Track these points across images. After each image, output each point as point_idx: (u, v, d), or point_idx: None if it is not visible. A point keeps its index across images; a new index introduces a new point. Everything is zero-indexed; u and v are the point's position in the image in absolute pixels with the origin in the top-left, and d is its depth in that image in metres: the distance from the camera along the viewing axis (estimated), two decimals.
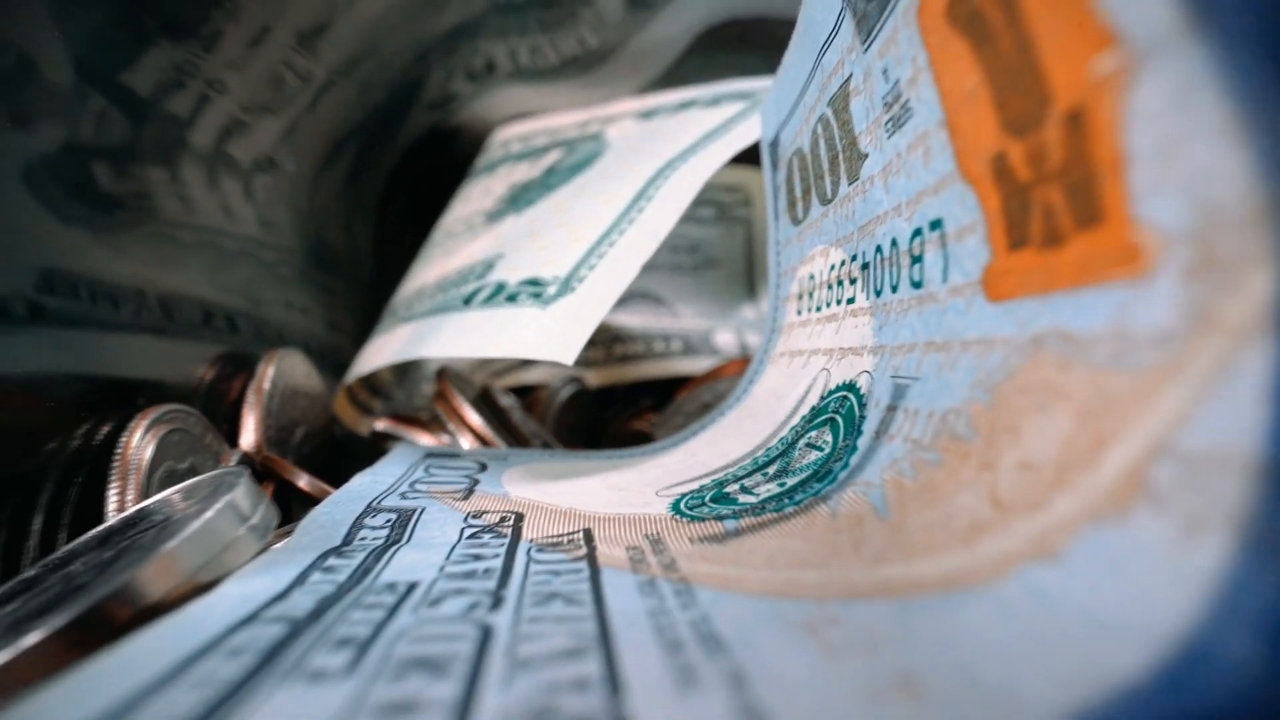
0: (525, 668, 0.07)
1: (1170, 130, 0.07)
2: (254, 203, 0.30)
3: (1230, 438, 0.06)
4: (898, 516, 0.10)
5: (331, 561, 0.11)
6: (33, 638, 0.10)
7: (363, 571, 0.11)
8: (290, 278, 0.32)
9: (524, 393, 0.31)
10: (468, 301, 0.22)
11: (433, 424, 0.24)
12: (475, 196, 0.31)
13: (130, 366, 0.22)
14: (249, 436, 0.21)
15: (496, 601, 0.09)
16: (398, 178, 0.37)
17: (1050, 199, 0.08)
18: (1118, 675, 0.06)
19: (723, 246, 0.37)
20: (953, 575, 0.08)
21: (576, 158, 0.27)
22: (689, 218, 0.36)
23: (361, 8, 0.31)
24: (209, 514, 0.11)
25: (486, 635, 0.08)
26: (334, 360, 0.31)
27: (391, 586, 0.10)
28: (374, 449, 0.27)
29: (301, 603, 0.09)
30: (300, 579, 0.10)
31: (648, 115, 0.28)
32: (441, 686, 0.07)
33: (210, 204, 0.28)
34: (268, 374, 0.22)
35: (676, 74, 0.33)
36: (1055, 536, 0.08)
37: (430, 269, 0.27)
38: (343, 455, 0.28)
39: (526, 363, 0.31)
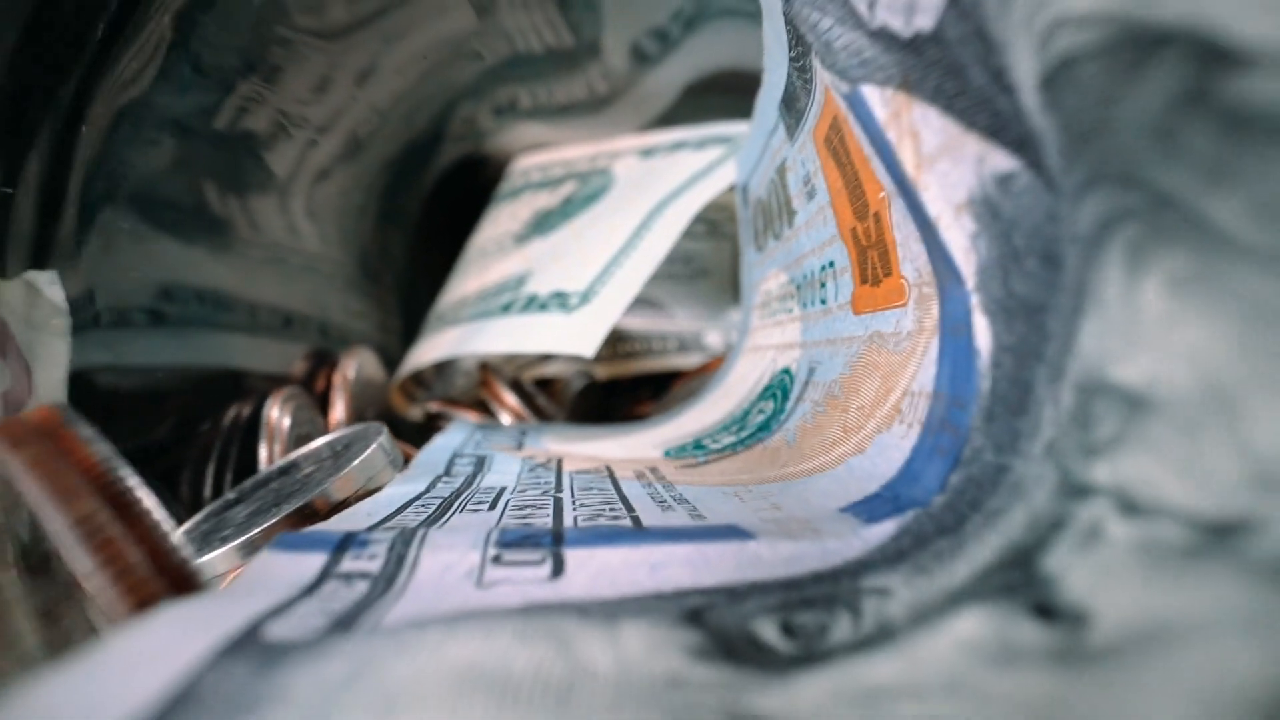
0: (583, 506, 0.14)
1: (904, 232, 0.14)
2: (314, 221, 0.37)
3: (925, 382, 0.13)
4: (799, 443, 0.17)
5: (445, 479, 0.18)
6: (280, 513, 0.17)
7: (468, 483, 0.18)
8: (345, 287, 0.39)
9: (544, 385, 0.38)
10: (506, 309, 0.29)
11: (474, 407, 0.32)
12: (503, 220, 0.38)
13: (237, 360, 0.29)
14: (339, 415, 0.28)
15: (558, 490, 0.16)
16: (432, 199, 0.44)
17: (873, 258, 0.16)
18: (868, 489, 0.13)
19: (713, 259, 0.44)
20: (816, 467, 0.15)
21: (589, 190, 0.35)
22: (684, 233, 0.43)
23: (404, 57, 0.38)
24: (369, 450, 0.18)
25: (558, 501, 0.15)
26: (385, 357, 0.38)
27: (490, 488, 0.17)
28: (420, 430, 0.34)
29: (441, 492, 0.17)
30: (432, 485, 0.18)
31: (647, 153, 0.36)
32: (543, 510, 0.14)
33: (281, 224, 0.35)
34: (351, 366, 0.29)
35: (674, 112, 0.40)
36: (865, 441, 0.15)
37: (469, 281, 0.34)
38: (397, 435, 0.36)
39: (546, 358, 0.38)
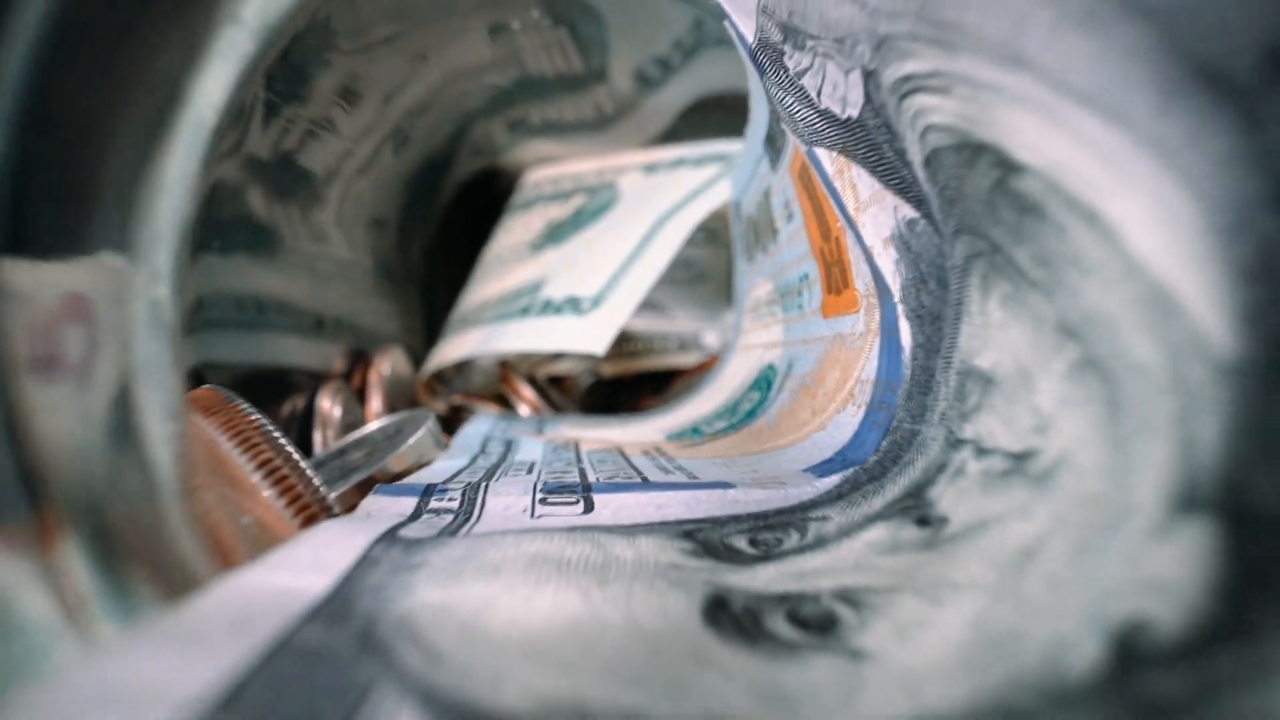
0: (600, 470, 0.18)
1: (855, 254, 0.18)
2: (341, 228, 0.41)
3: (871, 372, 0.17)
4: (778, 424, 0.21)
5: (482, 456, 0.22)
6: (349, 483, 0.21)
7: (502, 458, 0.22)
8: (370, 290, 0.43)
9: (555, 381, 0.42)
10: (524, 312, 0.33)
11: (494, 400, 0.36)
12: (517, 229, 0.42)
13: (287, 358, 0.33)
14: (375, 406, 0.32)
15: (580, 462, 0.20)
16: (450, 209, 0.48)
17: (836, 273, 0.20)
18: (825, 455, 0.17)
19: (712, 264, 0.48)
20: (789, 442, 0.19)
21: (597, 203, 0.39)
22: (686, 241, 0.47)
23: (427, 78, 0.42)
24: (420, 432, 0.22)
25: (581, 470, 0.19)
26: (409, 355, 0.42)
27: (523, 462, 0.21)
28: (444, 422, 0.38)
29: (482, 465, 0.21)
30: (473, 460, 0.22)
31: (651, 169, 0.40)
32: (570, 474, 0.18)
33: (309, 232, 0.39)
34: (385, 363, 0.33)
35: (675, 129, 0.44)
36: (827, 419, 0.19)
37: (488, 286, 0.38)
38: None
39: (558, 357, 0.42)
